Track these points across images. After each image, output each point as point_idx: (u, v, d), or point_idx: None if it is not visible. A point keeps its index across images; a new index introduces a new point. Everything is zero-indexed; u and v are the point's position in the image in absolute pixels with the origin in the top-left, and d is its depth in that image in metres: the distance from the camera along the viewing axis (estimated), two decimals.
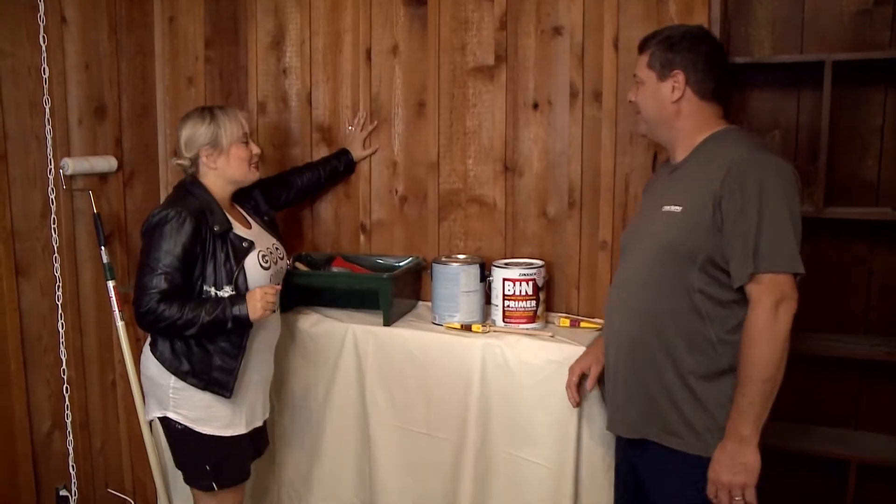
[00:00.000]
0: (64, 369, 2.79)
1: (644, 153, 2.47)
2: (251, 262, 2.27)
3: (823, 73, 2.27)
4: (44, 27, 2.67)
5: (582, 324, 2.50)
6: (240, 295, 2.21)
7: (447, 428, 2.44)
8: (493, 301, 2.51)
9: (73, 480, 2.84)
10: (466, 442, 2.40)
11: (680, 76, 1.91)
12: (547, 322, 2.54)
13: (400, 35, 2.77)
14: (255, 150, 2.36)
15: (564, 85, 2.56)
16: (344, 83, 2.88)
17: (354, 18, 2.83)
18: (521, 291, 2.46)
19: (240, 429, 2.32)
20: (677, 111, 1.93)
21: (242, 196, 2.45)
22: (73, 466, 2.84)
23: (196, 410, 2.25)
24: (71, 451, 2.83)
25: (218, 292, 2.20)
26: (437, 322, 2.57)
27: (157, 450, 2.89)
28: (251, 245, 2.28)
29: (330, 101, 2.90)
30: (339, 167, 2.82)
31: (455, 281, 2.52)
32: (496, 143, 2.67)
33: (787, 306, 1.72)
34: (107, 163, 2.91)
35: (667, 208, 1.89)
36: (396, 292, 2.60)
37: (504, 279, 2.47)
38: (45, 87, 2.69)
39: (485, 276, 2.55)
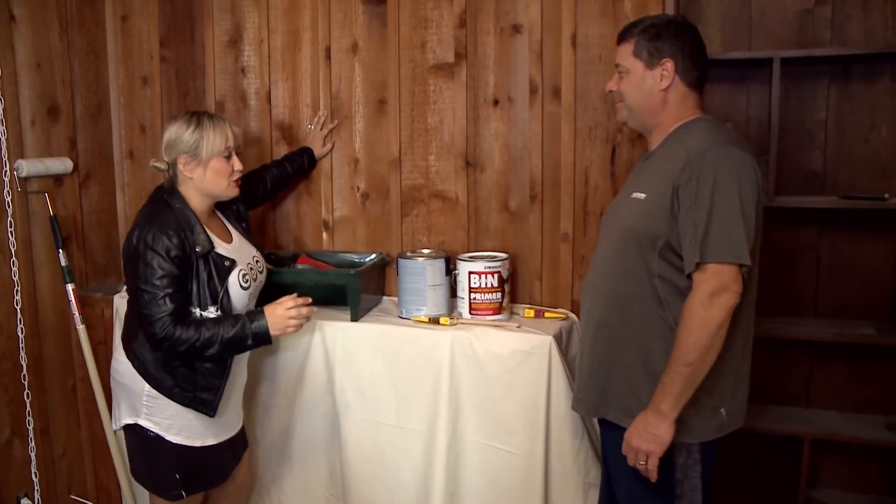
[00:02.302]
0: (24, 375, 2.75)
1: (603, 146, 2.55)
2: (232, 282, 2.22)
3: (771, 68, 2.38)
4: None
5: (546, 314, 2.56)
6: (257, 310, 2.17)
7: (417, 420, 2.48)
8: (459, 294, 2.56)
9: (36, 488, 2.79)
10: (437, 433, 2.44)
11: (669, 64, 1.92)
12: (512, 313, 2.59)
13: (359, 33, 2.80)
14: (238, 165, 2.27)
15: (524, 81, 2.61)
16: (303, 82, 2.89)
17: (313, 17, 2.84)
18: (486, 284, 2.50)
19: (209, 440, 2.28)
20: (664, 100, 1.94)
21: (224, 202, 2.38)
22: (35, 474, 2.79)
23: (169, 419, 2.21)
24: (33, 457, 2.78)
25: (203, 313, 2.15)
26: (404, 316, 2.60)
27: (122, 453, 2.86)
28: (233, 264, 2.23)
29: (290, 99, 2.91)
30: (304, 164, 2.83)
31: (421, 275, 2.56)
32: (457, 139, 2.72)
33: (725, 297, 1.74)
34: (62, 164, 2.87)
35: (634, 195, 1.93)
36: (363, 288, 2.62)
37: (470, 272, 2.51)
38: None
39: (450, 270, 2.60)
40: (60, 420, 2.92)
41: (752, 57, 2.45)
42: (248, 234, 2.46)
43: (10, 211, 2.68)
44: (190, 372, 2.20)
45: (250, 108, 2.97)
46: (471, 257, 2.57)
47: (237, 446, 2.43)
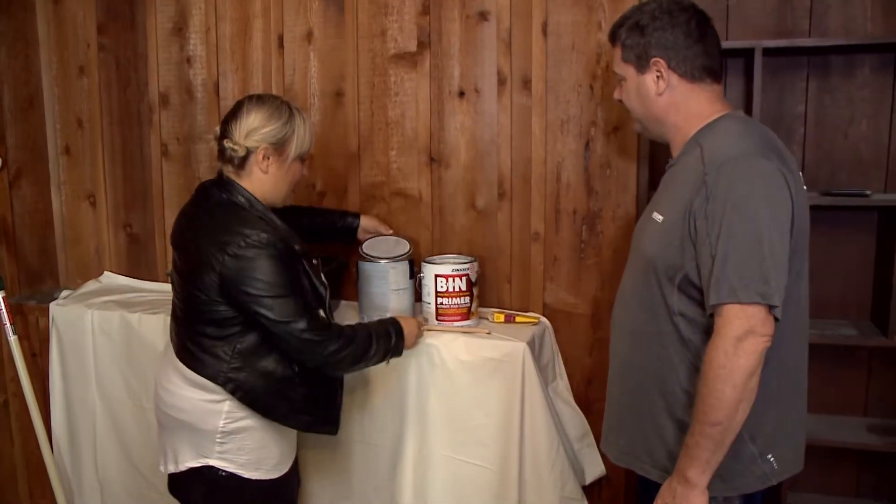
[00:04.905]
0: None
1: (576, 141, 2.42)
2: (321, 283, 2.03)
3: (750, 59, 2.27)
4: None
5: (517, 318, 2.43)
6: (395, 319, 2.05)
7: (383, 435, 2.34)
8: (425, 299, 2.40)
9: None
10: (404, 448, 2.31)
11: (661, 63, 1.67)
12: (481, 318, 2.45)
13: (314, 20, 2.62)
14: (306, 172, 2.06)
15: (492, 72, 2.48)
16: (255, 73, 2.71)
17: (265, 3, 2.66)
18: (454, 287, 2.36)
19: (285, 467, 2.05)
20: (668, 103, 1.70)
21: None
22: None
23: (247, 454, 1.94)
24: None
25: None
26: None
27: (60, 471, 2.65)
28: (320, 263, 2.04)
29: (240, 91, 2.72)
30: (337, 223, 2.49)
31: (384, 279, 2.40)
32: (420, 134, 2.57)
33: (752, 343, 1.48)
34: None
35: (654, 215, 1.68)
36: None
37: (436, 275, 2.36)
38: None
39: (414, 273, 2.45)
40: None
41: (732, 47, 2.33)
42: None
43: None
44: (308, 390, 1.97)
45: (197, 100, 2.77)
46: (437, 260, 2.42)
47: (295, 478, 2.18)
